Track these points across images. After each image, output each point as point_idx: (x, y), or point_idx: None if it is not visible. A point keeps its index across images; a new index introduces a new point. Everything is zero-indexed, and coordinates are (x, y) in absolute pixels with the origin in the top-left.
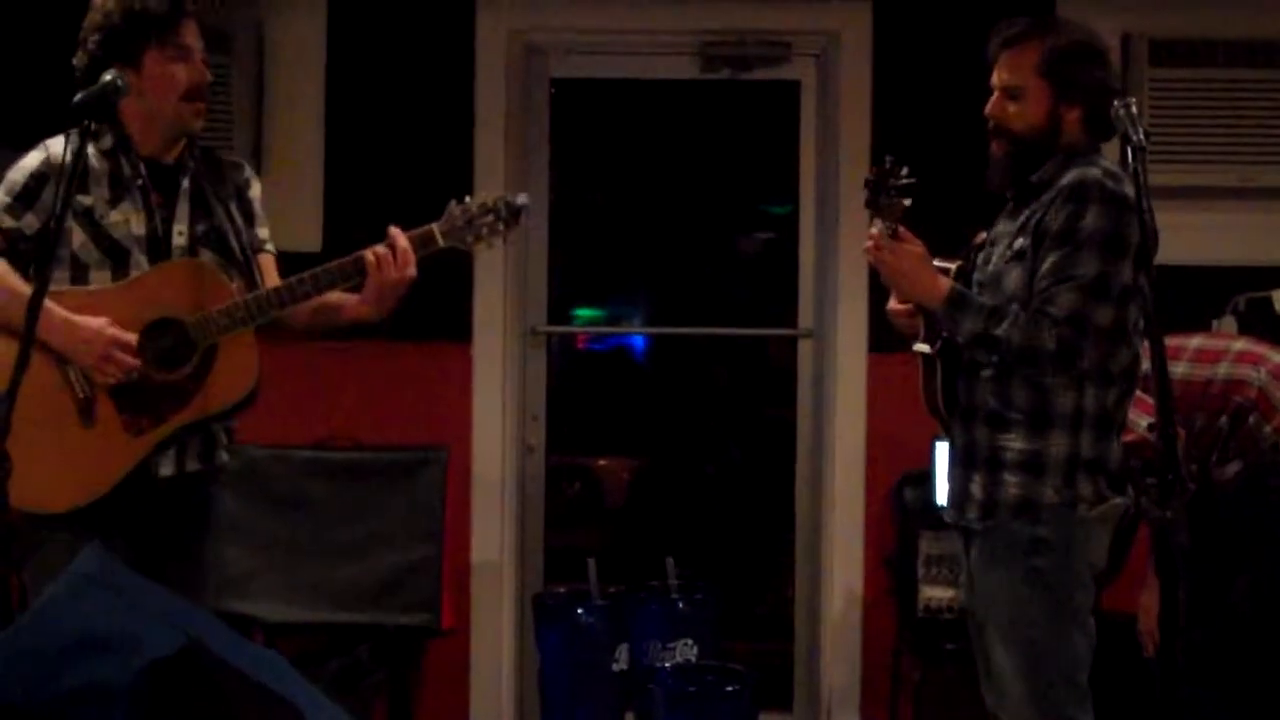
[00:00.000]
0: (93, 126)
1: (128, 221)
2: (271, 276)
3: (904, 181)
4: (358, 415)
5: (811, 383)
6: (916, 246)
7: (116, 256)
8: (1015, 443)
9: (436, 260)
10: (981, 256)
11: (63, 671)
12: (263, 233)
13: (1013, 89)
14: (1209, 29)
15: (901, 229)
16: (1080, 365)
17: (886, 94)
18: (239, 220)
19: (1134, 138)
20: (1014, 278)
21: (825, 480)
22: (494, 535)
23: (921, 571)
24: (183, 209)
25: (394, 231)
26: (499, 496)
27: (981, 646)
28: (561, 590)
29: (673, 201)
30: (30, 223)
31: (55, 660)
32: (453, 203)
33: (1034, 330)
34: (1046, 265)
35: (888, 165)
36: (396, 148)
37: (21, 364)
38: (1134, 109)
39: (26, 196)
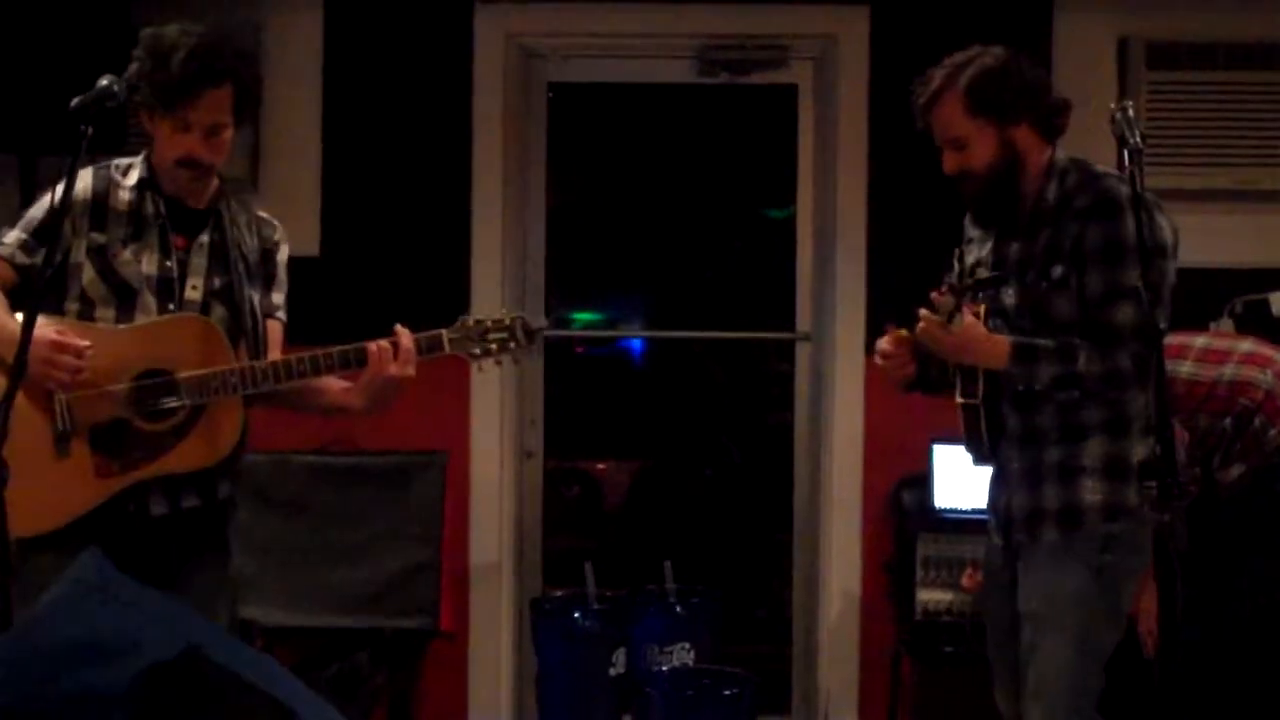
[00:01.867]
0: (90, 131)
1: (138, 260)
2: (275, 344)
3: (988, 277)
4: (356, 420)
5: (809, 386)
6: (965, 317)
7: (123, 294)
8: (1095, 449)
9: (434, 260)
10: (981, 273)
11: (60, 676)
12: (277, 298)
13: (956, 140)
14: (1206, 32)
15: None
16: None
17: (883, 97)
18: (258, 281)
19: (1131, 140)
20: (1061, 307)
21: (823, 483)
22: (492, 539)
23: (919, 574)
24: (199, 261)
25: (400, 330)
26: (497, 500)
27: (1004, 646)
28: (559, 594)
29: (670, 205)
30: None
31: (53, 665)
32: (470, 313)
33: (1109, 356)
34: (1095, 286)
35: (959, 272)
36: (394, 151)
37: (16, 374)
38: (1130, 112)
39: (43, 233)
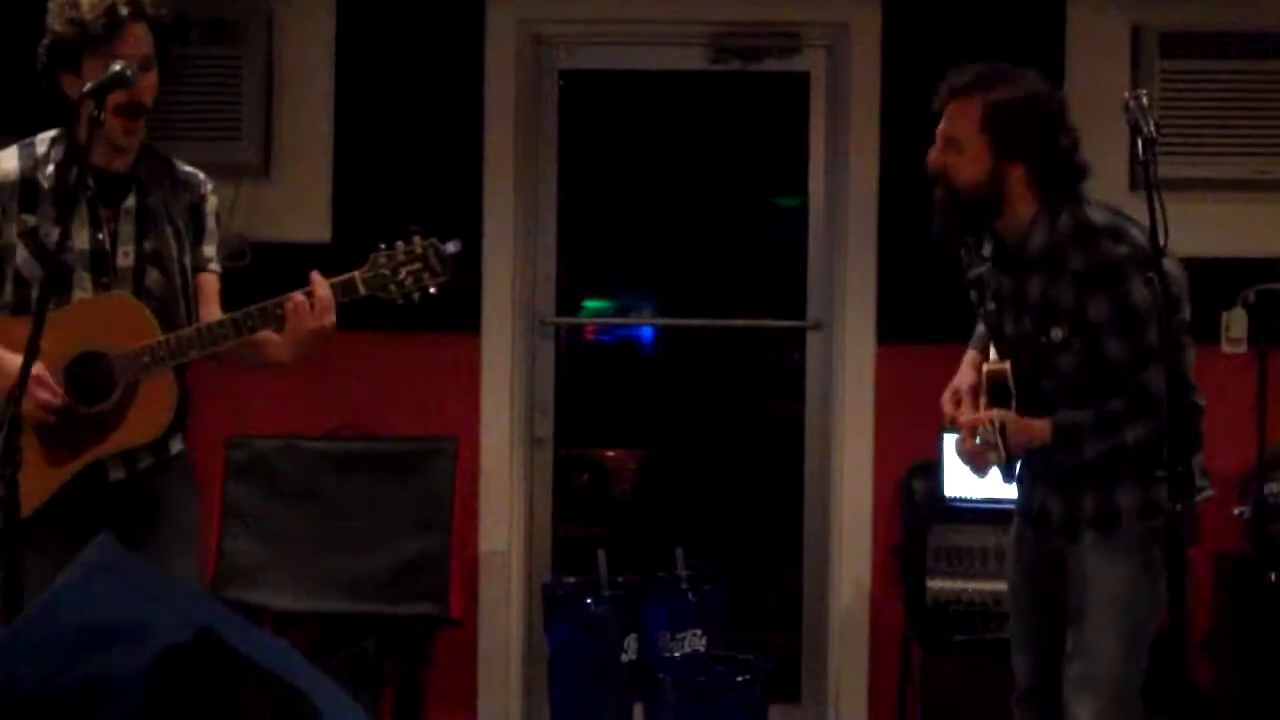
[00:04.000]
0: (101, 116)
1: (70, 238)
2: (210, 297)
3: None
4: (367, 406)
5: (820, 375)
6: (1011, 420)
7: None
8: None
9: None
10: (987, 307)
11: (74, 659)
12: (208, 250)
13: (953, 140)
14: (1220, 21)
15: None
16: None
17: (896, 86)
18: (186, 239)
19: (1145, 130)
20: (1066, 364)
21: (833, 472)
22: (502, 526)
23: (930, 563)
24: (127, 227)
25: (315, 278)
26: (507, 487)
27: (1032, 620)
28: (571, 580)
29: (681, 193)
30: None
31: (66, 648)
32: (381, 248)
33: (1151, 419)
34: (1119, 352)
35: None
36: (406, 138)
37: (27, 365)
38: (1144, 101)
39: None
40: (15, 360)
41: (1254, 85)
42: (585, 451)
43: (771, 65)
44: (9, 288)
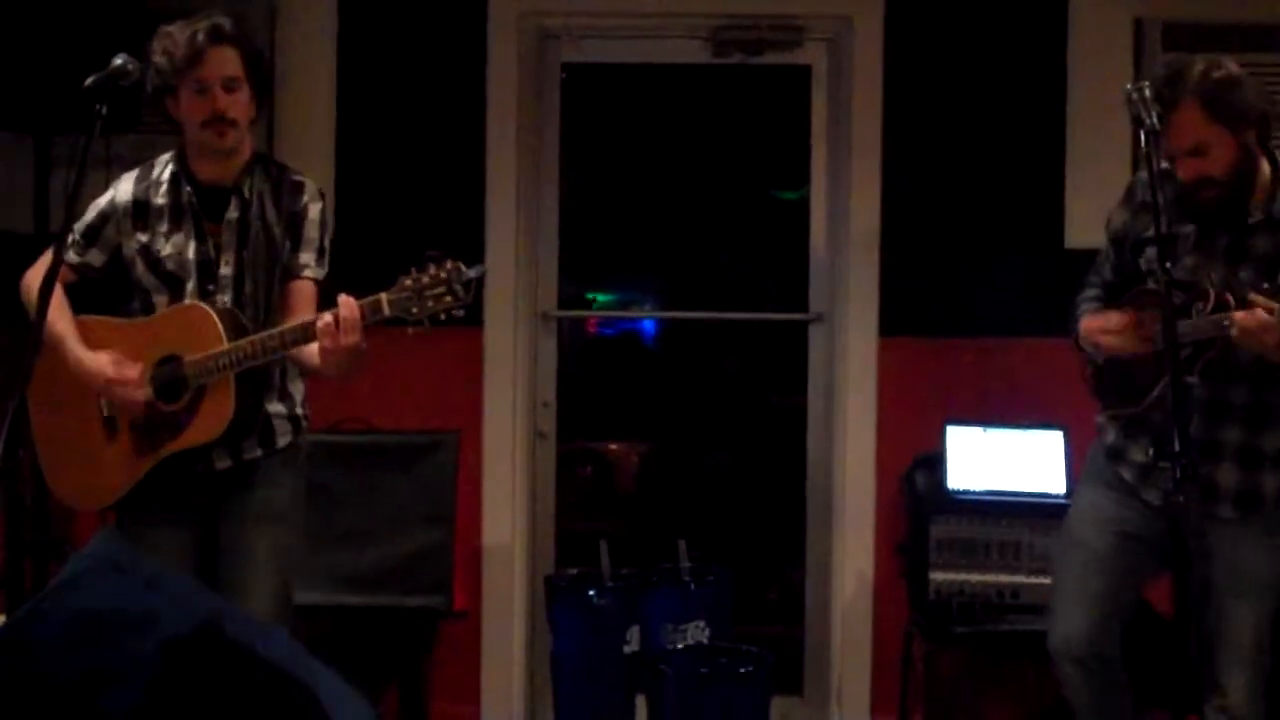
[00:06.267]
0: (104, 110)
1: (180, 252)
2: (302, 303)
3: None
4: (370, 399)
5: (822, 367)
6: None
7: (172, 284)
8: (1274, 441)
9: (448, 241)
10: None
11: (79, 650)
12: (304, 258)
13: (1198, 148)
14: (1223, 14)
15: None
16: None
17: (898, 79)
18: (283, 247)
19: (1147, 121)
20: None
21: (836, 464)
22: (505, 518)
23: (932, 555)
24: (229, 238)
25: (342, 300)
26: (510, 480)
27: (1100, 578)
28: (574, 572)
29: (684, 186)
30: (96, 258)
31: (71, 640)
32: (413, 270)
33: None
34: None
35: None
36: (408, 132)
37: (31, 352)
38: (1147, 93)
39: (90, 234)
40: (95, 361)
41: (1256, 78)
42: (588, 445)
43: (773, 59)
44: (136, 295)
